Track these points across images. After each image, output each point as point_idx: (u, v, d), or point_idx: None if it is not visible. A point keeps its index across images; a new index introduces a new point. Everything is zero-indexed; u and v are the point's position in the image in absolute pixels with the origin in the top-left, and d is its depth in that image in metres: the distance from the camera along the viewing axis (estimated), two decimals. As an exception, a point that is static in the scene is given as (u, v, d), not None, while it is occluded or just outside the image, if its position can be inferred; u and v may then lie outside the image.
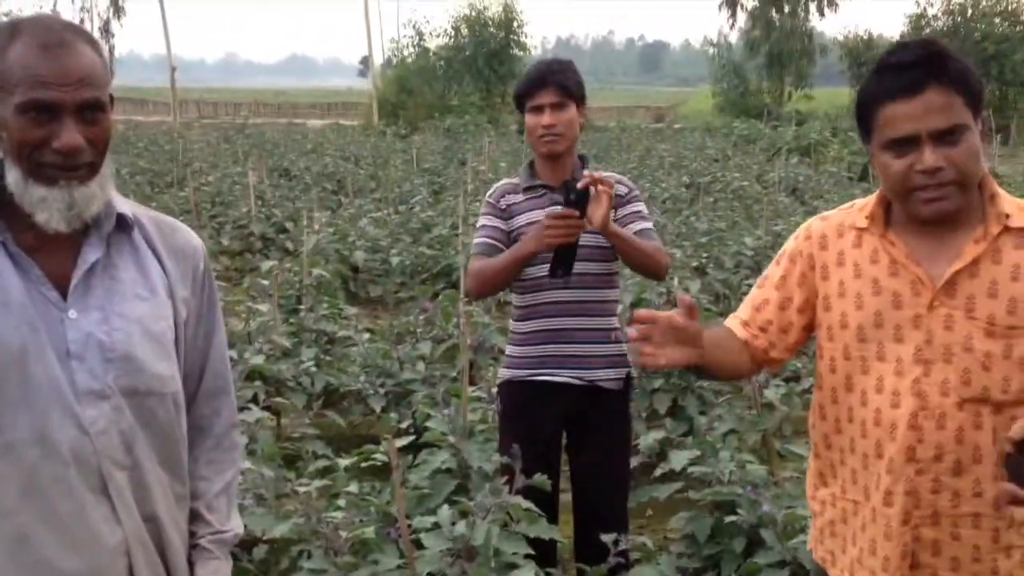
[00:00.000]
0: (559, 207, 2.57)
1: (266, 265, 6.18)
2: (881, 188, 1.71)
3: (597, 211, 2.50)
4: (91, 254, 1.44)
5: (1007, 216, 1.62)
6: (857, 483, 1.73)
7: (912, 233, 1.66)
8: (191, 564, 1.56)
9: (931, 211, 1.59)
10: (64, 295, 1.42)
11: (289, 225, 9.70)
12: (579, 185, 2.49)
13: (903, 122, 1.57)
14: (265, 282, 5.50)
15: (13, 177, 1.39)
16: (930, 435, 1.63)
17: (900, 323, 1.64)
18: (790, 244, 1.82)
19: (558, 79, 2.71)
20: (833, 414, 1.76)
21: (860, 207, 1.74)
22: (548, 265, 2.64)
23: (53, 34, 1.37)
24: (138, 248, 1.50)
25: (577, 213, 2.48)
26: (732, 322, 1.85)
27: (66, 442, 1.38)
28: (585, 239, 2.64)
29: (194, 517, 1.58)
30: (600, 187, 2.50)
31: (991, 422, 1.61)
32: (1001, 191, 1.66)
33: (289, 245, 9.19)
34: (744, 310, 1.84)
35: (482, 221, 2.83)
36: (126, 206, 1.50)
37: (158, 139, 18.77)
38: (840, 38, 34.37)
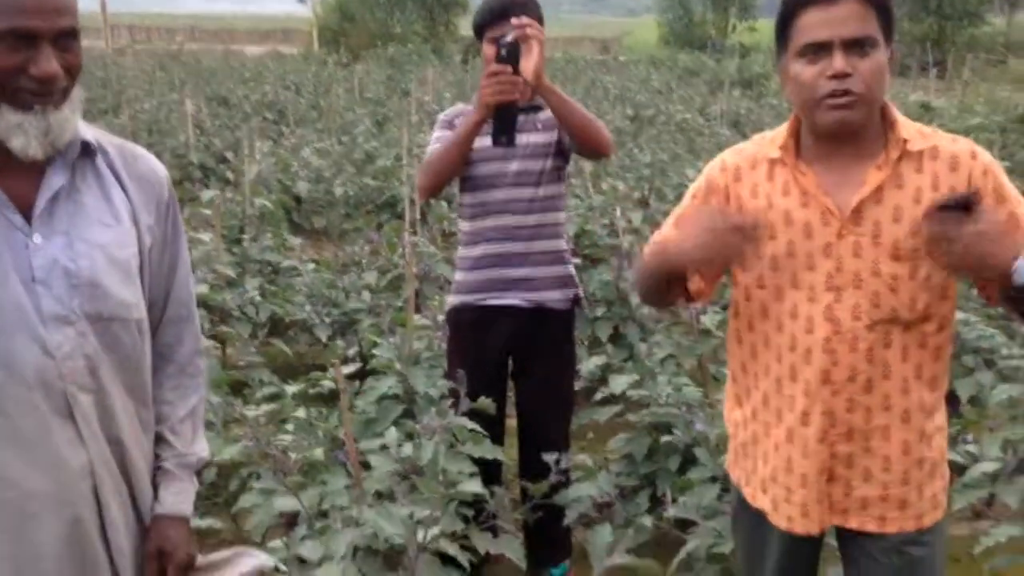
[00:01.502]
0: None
1: (207, 195, 6.11)
2: (791, 117, 1.76)
3: (528, 63, 2.49)
4: (56, 180, 1.45)
5: (906, 141, 1.68)
6: (769, 406, 1.81)
7: (821, 164, 1.72)
8: (155, 487, 1.61)
9: (835, 118, 1.64)
10: (29, 220, 1.43)
11: (229, 155, 9.52)
12: (508, 38, 2.48)
13: (818, 28, 1.62)
14: (207, 212, 5.44)
15: None
16: (843, 357, 1.71)
17: (811, 252, 1.71)
18: (703, 177, 1.86)
19: (520, 11, 2.70)
20: (749, 340, 1.83)
21: (772, 138, 1.79)
22: (494, 191, 2.68)
23: None
24: (102, 175, 1.51)
25: (510, 68, 2.48)
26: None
27: (31, 365, 1.41)
28: (522, 162, 2.68)
29: (159, 441, 1.63)
30: (529, 32, 2.48)
31: (900, 340, 1.71)
32: (901, 118, 1.72)
33: (230, 175, 9.03)
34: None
35: (435, 135, 2.82)
36: (90, 133, 1.51)
37: (89, 66, 18.09)
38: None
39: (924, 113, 13.25)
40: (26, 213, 1.43)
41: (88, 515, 1.48)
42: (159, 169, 1.61)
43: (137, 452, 1.55)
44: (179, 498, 1.61)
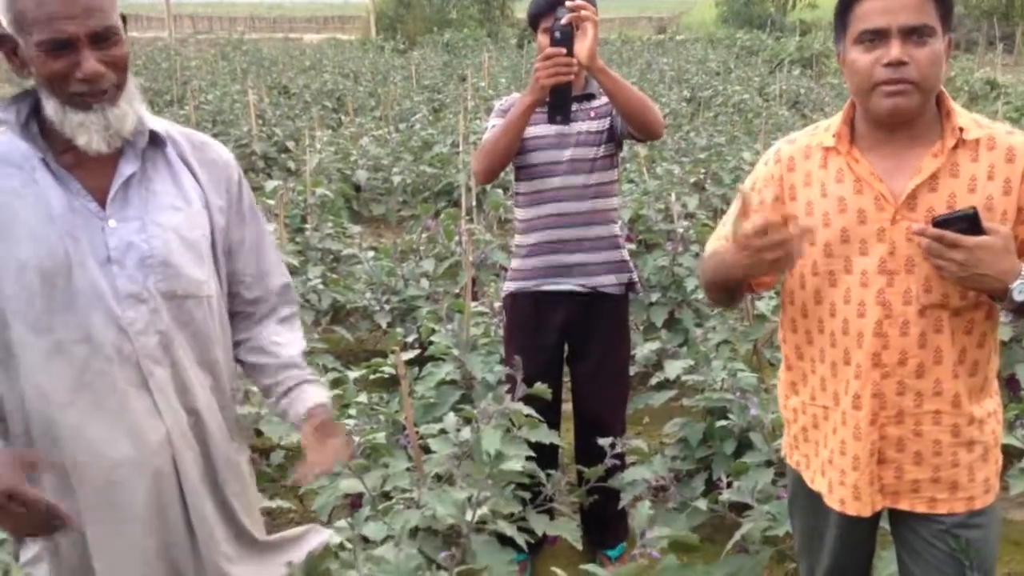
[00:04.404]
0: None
1: (270, 185, 6.25)
2: (847, 104, 1.79)
3: (582, 46, 2.53)
4: (127, 167, 1.55)
5: (962, 130, 1.69)
6: (827, 390, 1.84)
7: (875, 151, 1.74)
8: (286, 398, 1.71)
9: (890, 105, 1.66)
10: (103, 206, 1.53)
11: (291, 144, 9.71)
12: (562, 21, 2.52)
13: (876, 15, 1.64)
14: (271, 202, 5.58)
15: (51, 107, 1.49)
16: (894, 341, 1.73)
17: (865, 237, 1.73)
18: (761, 169, 1.89)
19: None
20: (804, 326, 1.85)
21: (825, 128, 1.82)
22: (548, 178, 2.74)
23: None
24: (172, 162, 1.61)
25: (564, 51, 2.51)
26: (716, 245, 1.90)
27: (109, 341, 1.52)
28: (576, 149, 2.72)
29: (285, 367, 1.73)
30: (584, 14, 2.51)
31: (950, 326, 1.72)
32: (956, 106, 1.74)
33: (291, 165, 9.21)
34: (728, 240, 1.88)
35: (491, 122, 2.86)
36: (158, 123, 1.60)
37: (155, 56, 18.52)
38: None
39: (991, 90, 12.87)
40: (101, 200, 1.53)
41: (168, 482, 1.59)
42: (226, 154, 1.70)
43: (213, 422, 1.65)
44: (319, 395, 1.72)
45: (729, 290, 1.85)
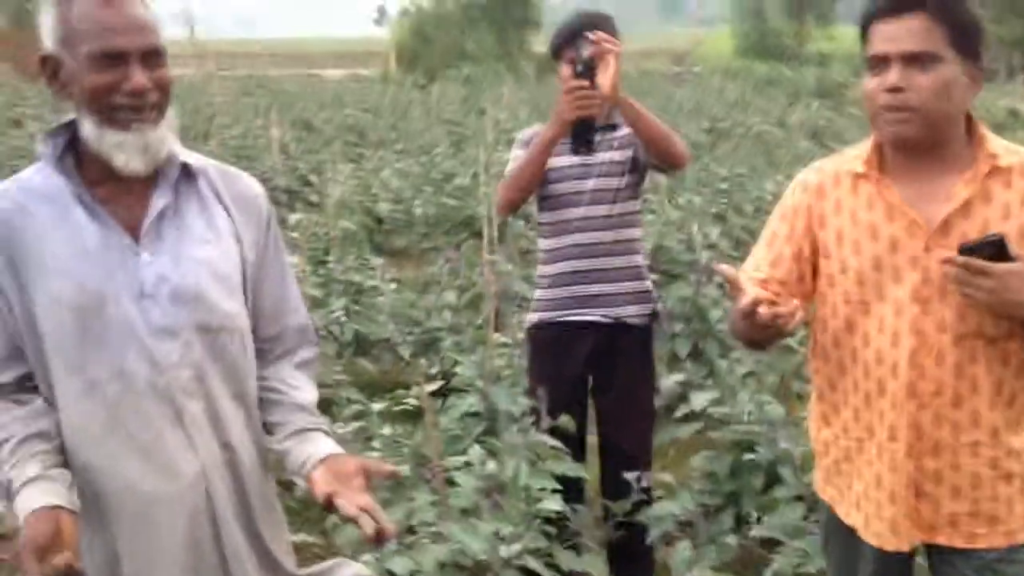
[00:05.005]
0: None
1: (294, 218, 6.31)
2: (874, 133, 1.77)
3: (606, 77, 2.54)
4: (160, 200, 1.55)
5: (995, 156, 1.68)
6: (860, 421, 1.80)
7: (906, 177, 1.72)
8: (294, 438, 1.64)
9: (891, 133, 1.66)
10: (136, 240, 1.53)
11: (313, 177, 9.79)
12: (585, 54, 2.54)
13: (880, 41, 1.65)
14: (294, 234, 5.62)
15: (88, 127, 1.50)
16: (930, 371, 1.71)
17: (898, 265, 1.71)
18: (789, 198, 1.88)
19: (595, 28, 2.71)
20: (836, 357, 1.82)
21: (855, 155, 1.80)
22: (571, 208, 2.74)
23: None
24: (204, 195, 1.61)
25: (587, 83, 2.53)
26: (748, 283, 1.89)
27: (142, 376, 1.51)
28: (599, 179, 2.73)
29: (294, 410, 1.67)
30: (606, 47, 2.53)
31: (986, 355, 1.69)
32: (989, 132, 1.72)
33: (313, 197, 9.29)
34: (760, 270, 1.87)
35: (513, 154, 2.87)
36: (190, 157, 1.61)
37: (180, 95, 18.80)
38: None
39: (1013, 120, 12.81)
40: (135, 234, 1.53)
41: (202, 517, 1.57)
42: (257, 188, 1.70)
43: (246, 456, 1.63)
44: (335, 446, 1.64)
45: (757, 342, 1.86)
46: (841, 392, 1.84)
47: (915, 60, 1.62)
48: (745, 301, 1.61)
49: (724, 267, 1.68)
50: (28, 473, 1.46)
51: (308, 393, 1.72)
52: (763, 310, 1.61)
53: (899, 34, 1.63)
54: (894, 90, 1.63)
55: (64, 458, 1.53)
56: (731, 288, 1.66)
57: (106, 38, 1.45)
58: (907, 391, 1.72)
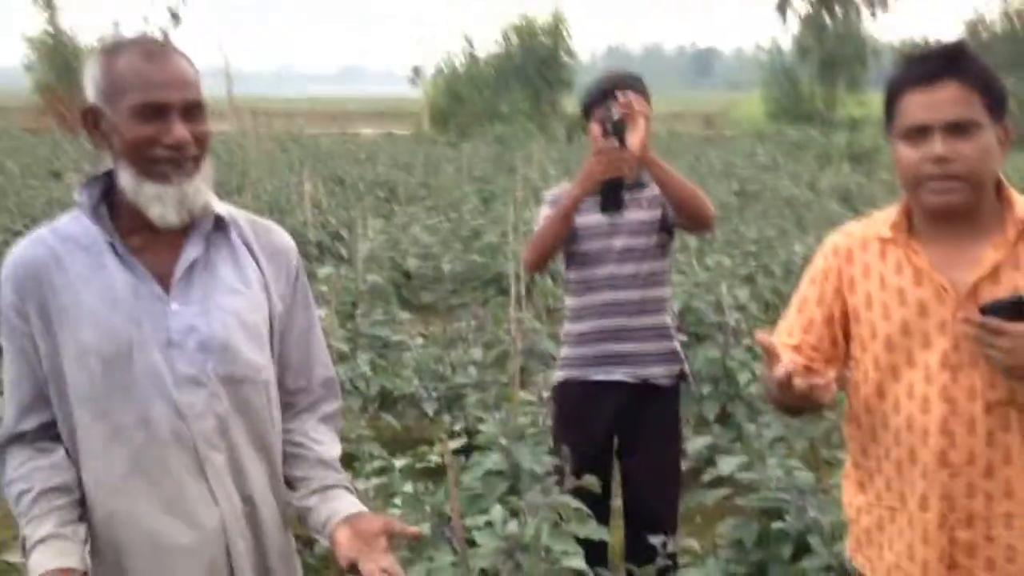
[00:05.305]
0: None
1: (323, 272, 6.36)
2: (902, 198, 1.76)
3: (635, 138, 2.57)
4: (192, 252, 1.57)
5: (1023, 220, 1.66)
6: (892, 489, 1.77)
7: (934, 242, 1.71)
8: (317, 495, 1.62)
9: (938, 202, 1.65)
10: (167, 290, 1.55)
11: (344, 232, 9.90)
12: (614, 116, 2.57)
13: (919, 111, 1.64)
14: (324, 288, 5.66)
15: (126, 178, 1.53)
16: (961, 439, 1.68)
17: (927, 330, 1.69)
18: (819, 263, 1.87)
19: (626, 88, 2.73)
20: (868, 423, 1.80)
21: (883, 219, 1.80)
22: (599, 267, 2.74)
23: (155, 45, 1.54)
24: (235, 247, 1.62)
25: (617, 143, 2.56)
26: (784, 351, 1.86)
27: (166, 425, 1.51)
28: (627, 239, 2.73)
29: (318, 465, 1.66)
30: (636, 109, 2.57)
31: (1019, 423, 1.66)
32: (1018, 196, 1.71)
33: (343, 252, 9.37)
34: (792, 336, 1.86)
35: (542, 213, 2.89)
36: (223, 208, 1.63)
37: (216, 149, 19.18)
38: (895, 43, 33.77)
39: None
40: (166, 284, 1.55)
41: (221, 572, 1.55)
42: (288, 240, 1.71)
43: (267, 510, 1.62)
44: (358, 504, 1.62)
45: (791, 408, 1.83)
46: (874, 459, 1.81)
47: (957, 128, 1.62)
48: (780, 371, 1.60)
49: (761, 336, 1.67)
50: (42, 532, 1.47)
51: (332, 448, 1.71)
52: (799, 381, 1.59)
53: (937, 103, 1.62)
54: (940, 160, 1.62)
55: (82, 511, 1.53)
56: (768, 357, 1.64)
57: (150, 91, 1.49)
58: (938, 460, 1.69)
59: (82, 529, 1.51)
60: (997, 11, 30.97)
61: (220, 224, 1.61)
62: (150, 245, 1.55)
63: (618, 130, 2.55)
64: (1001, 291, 1.65)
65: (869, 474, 1.83)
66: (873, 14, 34.58)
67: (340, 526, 1.56)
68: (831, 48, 33.75)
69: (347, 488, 1.66)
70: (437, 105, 31.42)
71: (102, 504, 1.52)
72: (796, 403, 1.69)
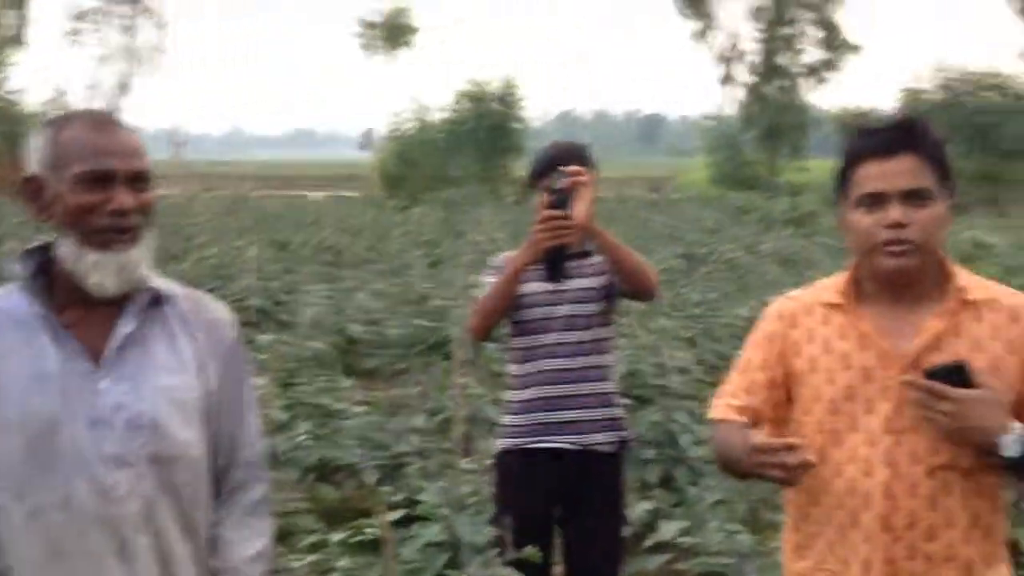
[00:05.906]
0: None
1: (264, 339, 6.26)
2: (850, 266, 1.81)
3: (579, 208, 2.62)
4: (125, 327, 1.54)
5: (964, 290, 1.72)
6: (835, 553, 1.77)
7: (879, 308, 1.76)
8: None
9: (892, 266, 1.69)
10: (99, 366, 1.51)
11: (286, 297, 9.79)
12: (559, 185, 2.62)
13: (876, 180, 1.70)
14: (263, 356, 5.57)
15: (66, 248, 1.51)
16: (904, 503, 1.69)
17: (870, 395, 1.72)
18: (764, 327, 1.90)
19: (571, 160, 2.78)
20: (809, 487, 1.79)
21: (827, 286, 1.84)
22: (544, 334, 2.75)
23: (103, 115, 1.57)
24: (170, 322, 1.60)
25: (561, 213, 2.60)
26: (726, 413, 1.87)
27: (90, 506, 1.46)
28: (571, 306, 2.74)
29: (238, 565, 1.61)
30: (581, 179, 2.62)
31: (961, 488, 1.69)
32: (957, 267, 1.77)
33: (285, 317, 9.26)
34: (736, 396, 1.87)
35: (486, 280, 2.90)
36: (161, 282, 1.61)
37: (162, 213, 18.99)
38: (834, 111, 34.94)
39: (978, 251, 13.11)
40: (98, 359, 1.51)
41: None
42: (225, 314, 1.69)
43: None
44: None
45: (742, 474, 1.83)
46: (815, 523, 1.81)
47: (913, 196, 1.68)
48: (775, 442, 1.61)
49: (758, 438, 1.67)
50: None
51: (254, 543, 1.66)
52: (791, 459, 1.60)
53: (895, 173, 1.69)
54: (895, 226, 1.67)
55: None
56: (754, 450, 1.64)
57: (96, 159, 1.49)
58: (881, 523, 1.70)
59: None
60: (934, 81, 32.18)
61: (157, 300, 1.59)
62: (85, 319, 1.53)
63: (563, 200, 2.60)
64: (943, 358, 1.68)
65: (810, 538, 1.82)
66: (816, 83, 35.74)
67: None
68: (773, 116, 34.80)
69: None
70: (388, 169, 31.56)
71: None
72: (757, 472, 1.68)
